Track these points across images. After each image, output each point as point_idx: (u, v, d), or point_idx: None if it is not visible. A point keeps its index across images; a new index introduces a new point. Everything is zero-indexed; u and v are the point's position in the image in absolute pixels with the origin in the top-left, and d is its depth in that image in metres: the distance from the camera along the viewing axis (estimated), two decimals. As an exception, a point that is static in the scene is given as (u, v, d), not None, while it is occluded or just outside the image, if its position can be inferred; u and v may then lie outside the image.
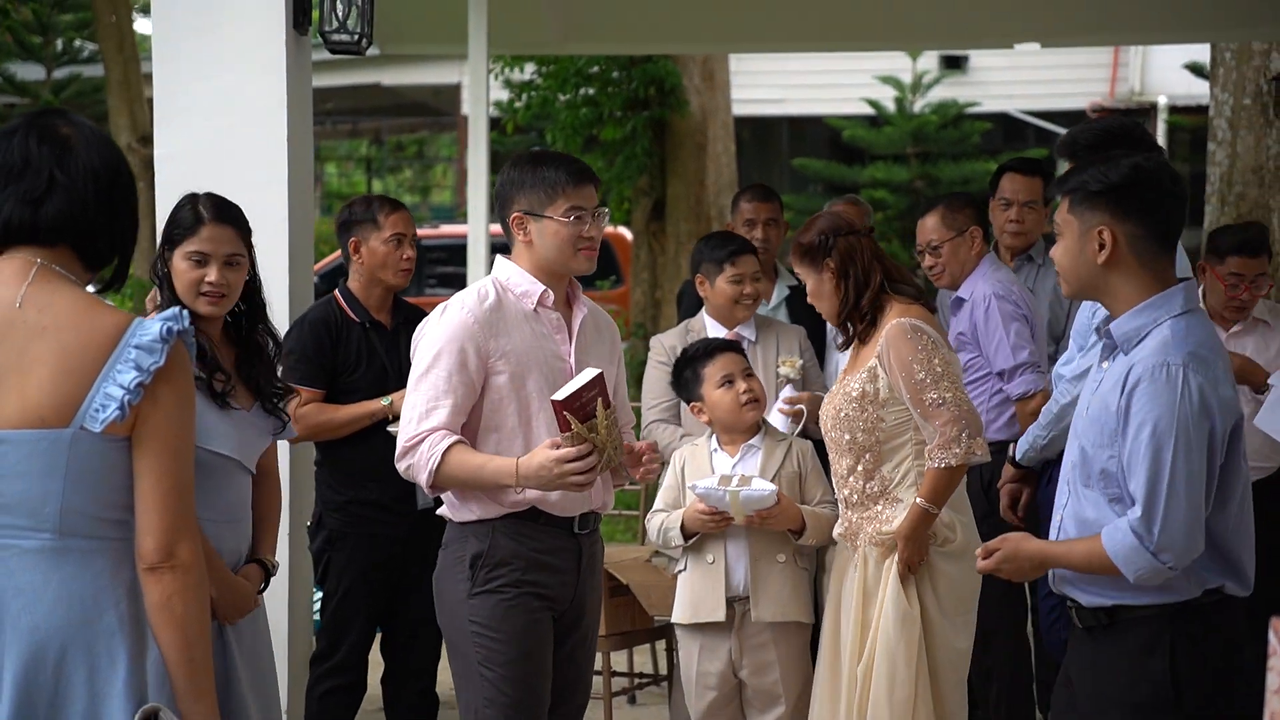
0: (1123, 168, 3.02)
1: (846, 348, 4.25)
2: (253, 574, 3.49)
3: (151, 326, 2.60)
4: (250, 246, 3.58)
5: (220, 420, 3.39)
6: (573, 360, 3.72)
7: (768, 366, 5.00)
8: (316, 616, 5.15)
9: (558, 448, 3.54)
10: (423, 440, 3.63)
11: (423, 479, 3.65)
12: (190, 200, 3.59)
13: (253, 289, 3.60)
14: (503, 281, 3.73)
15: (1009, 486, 4.76)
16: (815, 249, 4.18)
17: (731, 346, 4.61)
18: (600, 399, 3.54)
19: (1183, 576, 3.00)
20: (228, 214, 3.57)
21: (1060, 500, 3.17)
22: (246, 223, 3.60)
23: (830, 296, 4.18)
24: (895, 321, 4.07)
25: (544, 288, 3.72)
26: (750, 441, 4.42)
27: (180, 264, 3.52)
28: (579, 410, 3.52)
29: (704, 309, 5.17)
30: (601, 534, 3.94)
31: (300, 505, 4.86)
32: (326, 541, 4.78)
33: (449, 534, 3.80)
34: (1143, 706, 3.00)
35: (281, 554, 3.87)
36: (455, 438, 3.63)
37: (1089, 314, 4.23)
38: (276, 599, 3.67)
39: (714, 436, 4.48)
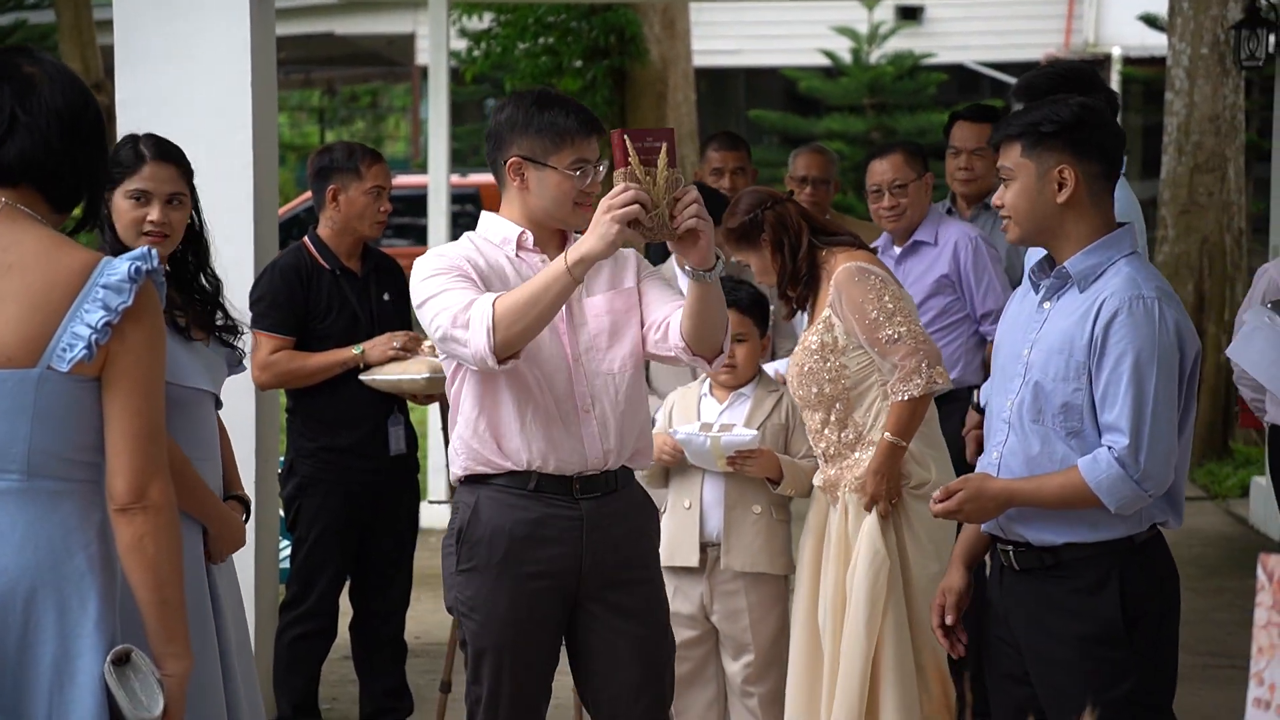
0: (1072, 107, 3.06)
1: (790, 318, 4.25)
2: (235, 510, 3.48)
3: (120, 266, 2.56)
4: (193, 188, 3.53)
5: (190, 355, 3.37)
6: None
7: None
8: (284, 564, 5.15)
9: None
10: (470, 305, 3.25)
11: (483, 343, 3.22)
12: (131, 140, 3.54)
13: (196, 231, 3.56)
14: (477, 235, 3.47)
15: (974, 433, 4.79)
16: (748, 227, 4.18)
17: (744, 304, 4.41)
18: (667, 153, 3.18)
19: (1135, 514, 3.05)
20: (169, 153, 3.51)
21: (996, 439, 3.16)
22: (188, 163, 3.54)
23: (774, 270, 4.20)
24: (842, 267, 4.10)
25: (520, 229, 3.42)
26: (741, 390, 4.42)
27: (122, 203, 3.48)
28: (641, 151, 3.17)
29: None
30: (641, 491, 3.56)
31: (268, 453, 4.84)
32: (298, 488, 4.77)
33: (453, 499, 3.56)
34: (1092, 640, 3.03)
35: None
36: (494, 295, 3.27)
37: None
38: (244, 546, 3.64)
39: (706, 381, 4.48)
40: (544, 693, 3.51)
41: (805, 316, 4.33)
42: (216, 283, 3.56)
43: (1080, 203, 3.05)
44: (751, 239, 4.19)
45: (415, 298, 3.38)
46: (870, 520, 4.06)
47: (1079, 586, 3.04)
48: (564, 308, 3.34)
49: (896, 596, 4.05)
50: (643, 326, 3.47)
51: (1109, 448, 2.99)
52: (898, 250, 5.14)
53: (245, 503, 3.52)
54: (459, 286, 3.32)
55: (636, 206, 3.15)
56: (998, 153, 3.16)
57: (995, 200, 3.16)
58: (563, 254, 3.23)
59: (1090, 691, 3.01)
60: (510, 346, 3.26)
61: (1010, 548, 3.14)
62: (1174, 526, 3.11)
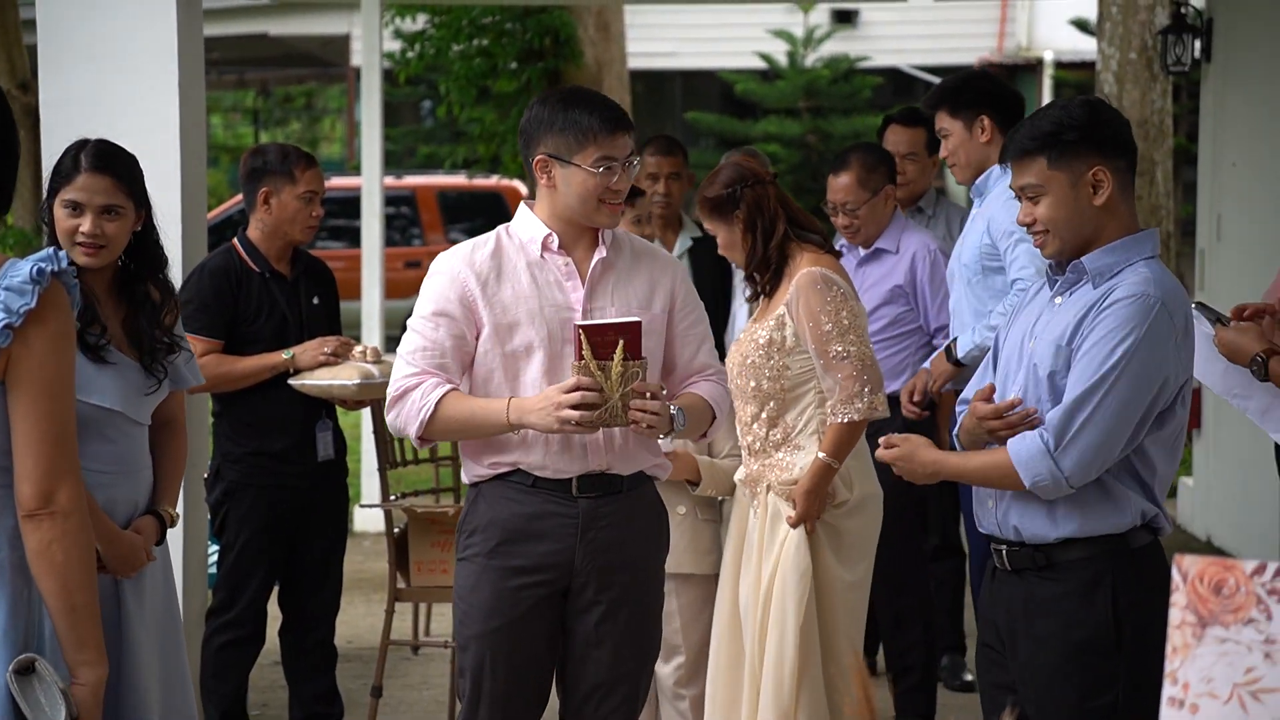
0: (1082, 108, 3.03)
1: (754, 300, 4.24)
2: (146, 526, 3.42)
3: (23, 267, 2.52)
4: (137, 198, 3.45)
5: (98, 373, 3.30)
6: (580, 308, 3.40)
7: None
8: (212, 570, 5.10)
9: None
10: (412, 390, 3.39)
11: (412, 430, 3.40)
12: (75, 147, 3.48)
13: (145, 239, 3.50)
14: (511, 229, 3.48)
15: (945, 388, 4.79)
16: (724, 201, 4.16)
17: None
18: (626, 346, 3.27)
19: (1122, 503, 3.01)
20: (107, 163, 3.44)
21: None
22: (132, 173, 3.46)
23: (742, 247, 4.17)
24: (806, 270, 4.07)
25: (548, 231, 3.42)
26: None
27: (58, 211, 3.43)
28: (597, 344, 3.28)
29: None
30: (653, 495, 3.55)
31: (195, 457, 4.79)
32: (225, 493, 4.72)
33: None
34: (1083, 647, 3.00)
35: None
36: (449, 385, 3.39)
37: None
38: (171, 552, 3.60)
39: None
40: (536, 693, 3.48)
41: (748, 303, 4.35)
42: (168, 295, 3.49)
43: (1114, 201, 3.01)
44: (725, 212, 4.16)
45: (417, 303, 3.47)
46: (795, 535, 4.06)
47: (1070, 589, 3.00)
48: (581, 313, 3.41)
49: (810, 605, 4.05)
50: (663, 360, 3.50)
51: (1042, 426, 2.98)
52: (862, 252, 5.15)
53: (162, 519, 3.47)
54: (428, 341, 3.40)
55: (579, 401, 3.25)
56: (1003, 163, 3.12)
57: (1023, 218, 3.07)
58: (508, 403, 3.34)
59: (1075, 699, 2.99)
60: (434, 440, 3.47)
61: (1004, 547, 3.10)
62: (1167, 531, 3.07)
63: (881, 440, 3.23)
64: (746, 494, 4.21)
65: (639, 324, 3.32)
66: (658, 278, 3.50)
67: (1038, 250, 3.12)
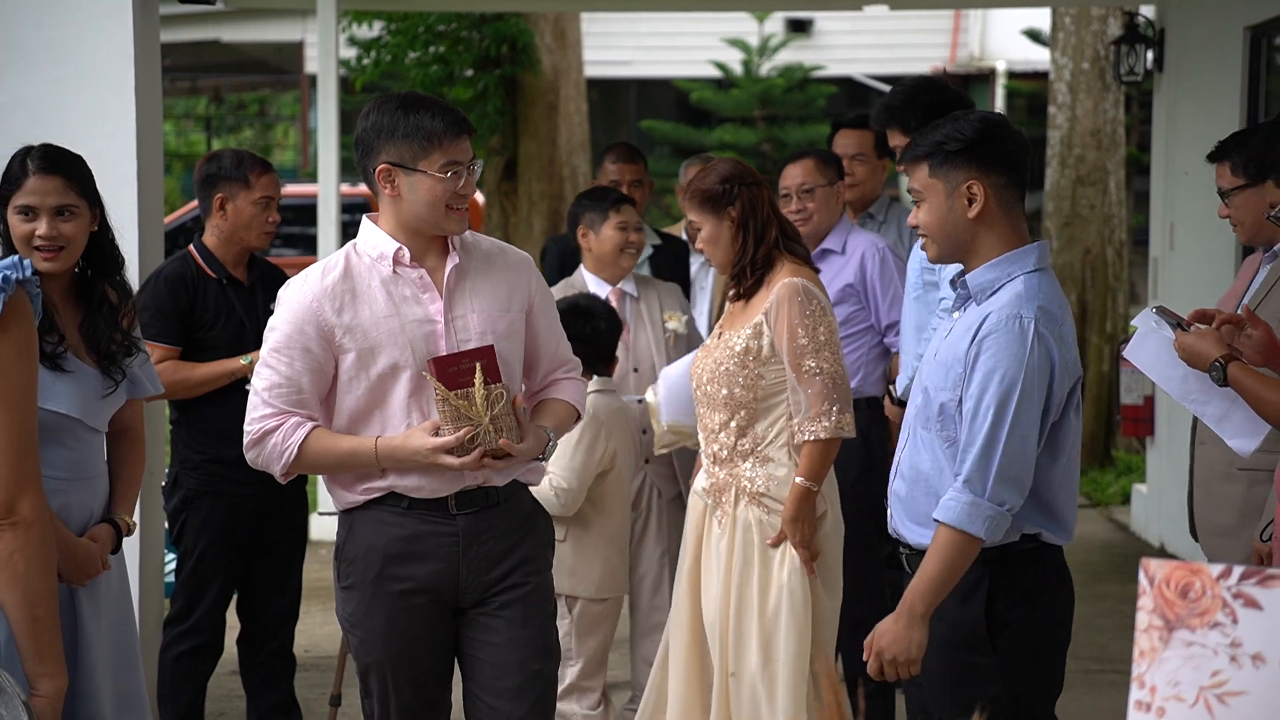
0: (973, 123, 3.09)
1: (738, 300, 4.20)
2: (101, 534, 3.40)
3: None
4: (90, 198, 3.44)
5: (55, 379, 3.28)
6: (443, 318, 3.33)
7: (654, 322, 5.01)
8: (170, 578, 5.06)
9: (437, 432, 3.26)
10: (273, 432, 3.32)
11: (276, 469, 3.35)
12: (21, 153, 3.46)
13: (101, 240, 3.48)
14: (358, 247, 3.38)
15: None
16: (719, 196, 4.12)
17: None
18: (484, 371, 3.24)
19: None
20: (56, 164, 3.42)
21: (900, 443, 3.23)
22: (81, 173, 3.45)
23: (728, 246, 4.13)
24: (788, 281, 4.04)
25: (398, 245, 3.33)
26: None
27: (12, 219, 3.41)
28: (451, 376, 3.25)
29: (582, 266, 5.14)
30: (529, 500, 3.51)
31: (153, 464, 4.76)
32: (183, 501, 4.69)
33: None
34: (957, 645, 3.08)
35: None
36: (311, 424, 3.32)
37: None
38: (127, 560, 3.57)
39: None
40: (439, 705, 3.48)
41: (709, 309, 4.37)
42: (125, 296, 3.47)
43: (991, 215, 3.09)
44: (717, 207, 4.13)
45: (265, 335, 3.38)
46: (790, 567, 4.02)
47: (951, 592, 3.08)
48: (443, 324, 3.32)
49: (806, 630, 4.04)
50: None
51: (955, 476, 3.04)
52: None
53: (118, 527, 3.44)
54: (282, 378, 3.32)
55: (451, 445, 3.22)
56: (898, 167, 3.22)
57: (910, 221, 3.18)
58: (375, 441, 3.28)
59: (955, 692, 3.08)
60: (294, 475, 3.39)
61: (905, 551, 3.20)
62: (1052, 538, 3.12)
63: (868, 662, 3.11)
64: (708, 503, 4.17)
65: (491, 348, 3.29)
66: (513, 278, 3.43)
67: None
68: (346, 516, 3.41)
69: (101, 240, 3.47)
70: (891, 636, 3.04)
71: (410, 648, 3.39)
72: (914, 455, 3.14)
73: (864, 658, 3.10)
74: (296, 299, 3.33)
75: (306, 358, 3.30)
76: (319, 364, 3.31)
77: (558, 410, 3.50)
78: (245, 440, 3.37)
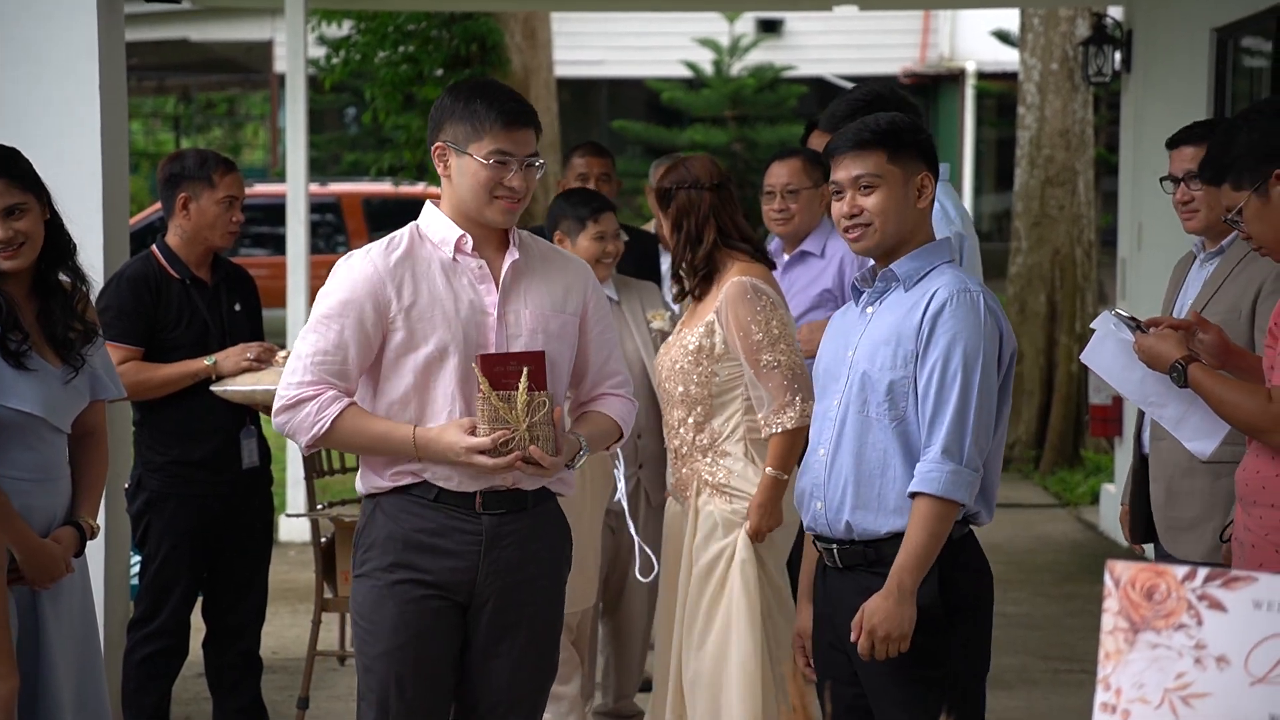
0: (906, 120, 3.24)
1: (680, 300, 4.28)
2: (65, 537, 3.37)
3: None
4: (36, 190, 3.40)
5: (18, 378, 3.27)
6: (495, 311, 3.29)
7: (638, 325, 4.97)
8: (134, 581, 5.03)
9: (473, 430, 3.20)
10: (309, 401, 3.25)
11: (303, 440, 3.28)
12: None
13: (52, 229, 3.43)
14: (421, 229, 3.35)
15: None
16: (661, 195, 4.29)
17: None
18: (530, 376, 3.19)
19: None
20: None
21: (823, 438, 3.21)
22: (22, 168, 3.41)
23: (671, 247, 4.29)
24: (735, 280, 4.11)
25: (461, 232, 3.30)
26: None
27: None
28: (497, 375, 3.19)
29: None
30: (556, 511, 3.43)
31: (117, 466, 4.72)
32: (146, 503, 4.65)
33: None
34: (916, 631, 3.08)
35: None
36: (348, 400, 3.26)
37: None
38: (91, 563, 3.54)
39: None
40: (440, 710, 3.38)
41: (675, 302, 4.40)
42: (79, 283, 3.44)
43: (928, 210, 3.22)
44: (662, 205, 4.30)
45: (316, 301, 3.32)
46: (742, 540, 4.07)
47: None
48: (495, 316, 3.29)
49: (758, 617, 4.07)
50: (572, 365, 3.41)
51: (928, 445, 3.08)
52: (785, 258, 5.15)
53: (82, 530, 3.41)
54: (330, 345, 3.25)
55: (488, 446, 3.17)
56: (831, 157, 3.22)
57: (847, 209, 3.19)
58: (413, 435, 3.23)
59: (911, 672, 3.09)
60: (320, 448, 3.33)
61: (834, 545, 3.19)
62: (984, 521, 3.20)
63: (857, 642, 3.10)
64: (678, 500, 4.22)
65: (542, 354, 3.25)
66: (571, 281, 3.41)
67: None
68: (370, 502, 3.34)
69: (52, 229, 3.45)
70: (884, 614, 3.04)
71: (419, 642, 3.29)
72: (853, 442, 3.15)
73: (852, 638, 3.09)
74: (359, 268, 3.28)
75: (358, 329, 3.25)
76: (368, 338, 3.26)
77: (599, 423, 3.43)
78: (277, 404, 3.29)
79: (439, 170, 3.33)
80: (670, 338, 4.30)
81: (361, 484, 3.38)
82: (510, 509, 3.31)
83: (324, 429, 3.26)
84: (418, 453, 3.25)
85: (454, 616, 3.33)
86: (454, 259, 3.32)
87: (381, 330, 3.27)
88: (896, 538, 3.12)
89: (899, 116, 3.21)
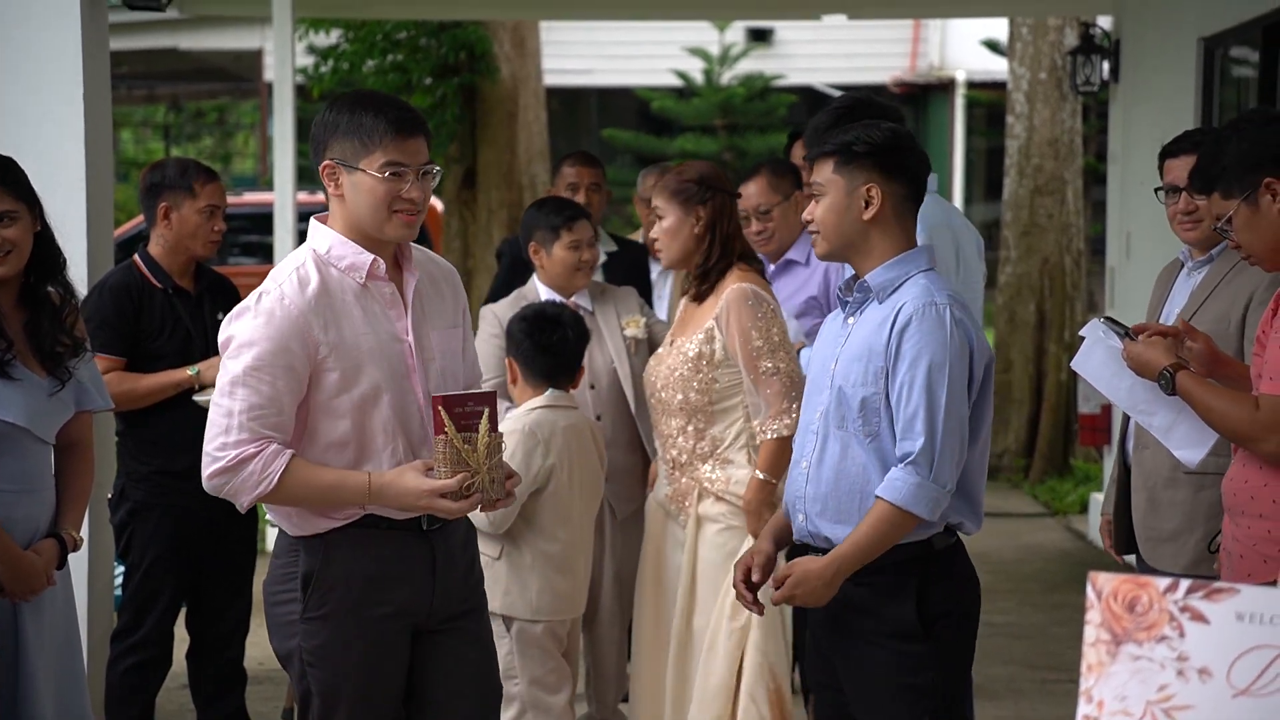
0: (884, 132, 3.22)
1: (698, 301, 4.24)
2: (46, 549, 3.36)
3: None
4: (28, 200, 3.41)
5: (3, 387, 3.26)
6: (410, 338, 3.19)
7: (612, 335, 4.92)
8: (118, 591, 5.01)
9: (429, 470, 3.11)
10: (251, 459, 3.07)
11: (245, 500, 3.12)
12: None
13: (42, 242, 3.43)
14: (322, 255, 3.15)
15: None
16: (692, 192, 4.20)
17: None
18: (489, 419, 3.10)
19: None
20: None
21: (805, 449, 3.24)
22: (15, 177, 3.41)
23: (686, 241, 4.20)
24: (736, 286, 4.11)
25: (372, 256, 3.15)
26: None
27: None
28: (460, 418, 3.09)
29: (535, 276, 5.08)
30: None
31: (100, 477, 4.70)
32: (130, 514, 4.64)
33: (279, 543, 3.28)
34: (895, 634, 3.14)
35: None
36: (290, 453, 3.10)
37: None
38: (75, 574, 3.52)
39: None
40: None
41: (667, 317, 4.38)
42: (68, 297, 3.44)
43: (885, 221, 3.20)
44: (688, 203, 4.20)
45: (225, 352, 3.12)
46: (729, 542, 4.06)
47: (879, 590, 3.14)
48: (414, 343, 3.19)
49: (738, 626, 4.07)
50: None
51: (900, 458, 3.10)
52: (772, 266, 5.13)
53: (64, 542, 3.39)
54: (263, 398, 3.07)
55: (453, 488, 3.08)
56: (810, 168, 3.27)
57: (805, 215, 3.26)
58: (368, 478, 3.11)
59: (894, 680, 3.12)
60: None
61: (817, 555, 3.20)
62: (971, 530, 3.22)
63: (770, 584, 3.21)
64: (670, 510, 4.19)
65: (495, 394, 3.20)
66: (450, 291, 3.32)
67: None
68: (317, 541, 3.19)
69: (43, 241, 3.44)
70: (812, 585, 3.11)
71: (381, 676, 3.22)
72: (833, 457, 3.18)
73: (772, 582, 3.18)
74: (280, 313, 3.09)
75: (290, 377, 3.08)
76: (299, 384, 3.10)
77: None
78: (213, 466, 3.11)
79: (329, 190, 3.16)
80: (663, 346, 4.26)
81: (299, 527, 3.21)
82: (443, 523, 3.26)
83: (271, 485, 3.09)
84: (371, 499, 3.13)
85: (408, 642, 3.28)
86: (364, 285, 3.17)
87: (309, 372, 3.12)
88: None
89: (866, 131, 3.20)
